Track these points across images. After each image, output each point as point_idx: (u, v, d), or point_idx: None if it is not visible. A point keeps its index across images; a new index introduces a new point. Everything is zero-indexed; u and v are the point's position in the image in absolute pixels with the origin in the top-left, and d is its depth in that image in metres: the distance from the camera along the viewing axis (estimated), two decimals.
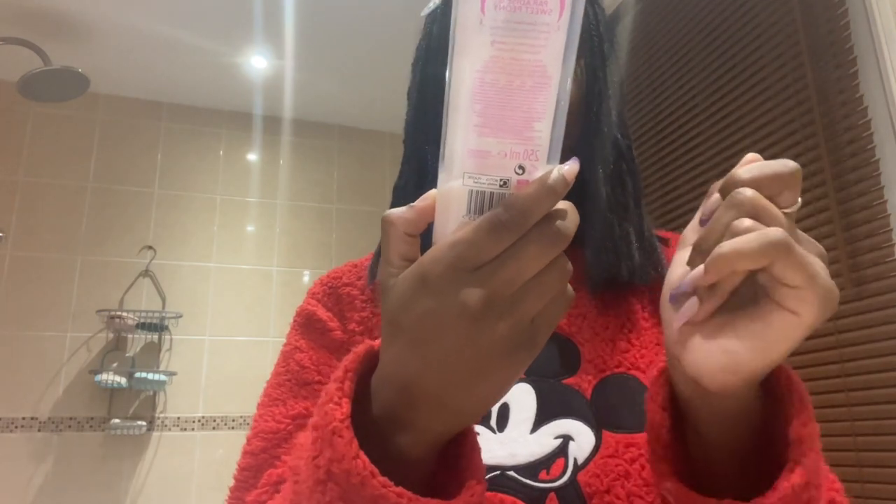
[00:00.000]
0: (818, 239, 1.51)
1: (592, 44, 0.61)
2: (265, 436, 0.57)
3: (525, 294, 0.31)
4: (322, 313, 0.64)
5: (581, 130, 0.60)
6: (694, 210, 0.41)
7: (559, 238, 0.31)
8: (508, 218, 0.31)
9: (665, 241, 0.64)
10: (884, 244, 1.39)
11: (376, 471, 0.32)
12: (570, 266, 0.32)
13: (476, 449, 0.38)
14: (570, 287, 0.33)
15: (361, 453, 0.32)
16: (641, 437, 0.50)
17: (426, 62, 0.65)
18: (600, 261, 0.58)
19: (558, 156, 0.32)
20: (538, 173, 0.32)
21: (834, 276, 1.53)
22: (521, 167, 0.31)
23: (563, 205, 0.32)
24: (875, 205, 1.41)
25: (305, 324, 0.64)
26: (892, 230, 1.38)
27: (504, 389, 0.34)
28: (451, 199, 0.32)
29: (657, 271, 0.59)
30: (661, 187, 2.11)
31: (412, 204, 0.33)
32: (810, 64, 1.58)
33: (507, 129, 0.31)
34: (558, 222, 0.31)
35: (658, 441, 0.41)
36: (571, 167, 0.32)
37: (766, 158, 0.36)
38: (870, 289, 1.40)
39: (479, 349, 0.31)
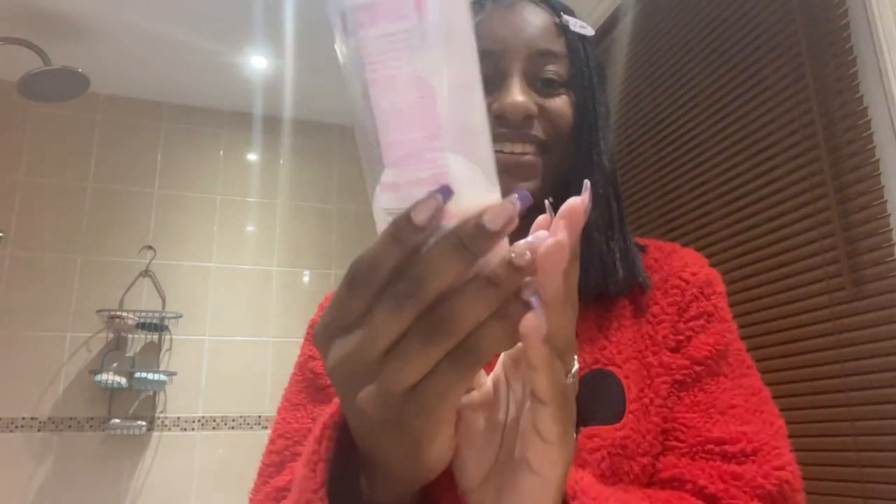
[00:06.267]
0: (819, 239, 1.52)
1: (583, 78, 0.63)
2: (289, 436, 0.61)
3: (387, 360, 0.27)
4: None
5: (573, 158, 0.63)
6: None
7: (408, 297, 0.26)
8: (356, 272, 0.27)
9: (643, 248, 0.67)
10: (884, 244, 1.39)
11: None
12: (448, 335, 0.26)
13: None
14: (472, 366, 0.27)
15: None
16: (605, 429, 0.53)
17: None
18: (589, 278, 0.61)
19: (476, 176, 0.26)
20: (467, 198, 0.26)
21: (834, 275, 1.54)
22: (439, 194, 0.26)
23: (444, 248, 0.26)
24: (875, 205, 1.41)
25: None
26: (892, 230, 1.38)
27: (418, 456, 0.31)
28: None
29: (636, 279, 0.62)
30: (661, 187, 2.11)
31: None
32: (810, 64, 1.58)
33: (407, 156, 0.26)
34: (414, 276, 0.26)
35: None
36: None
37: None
38: (870, 289, 1.40)
39: (357, 411, 0.29)
